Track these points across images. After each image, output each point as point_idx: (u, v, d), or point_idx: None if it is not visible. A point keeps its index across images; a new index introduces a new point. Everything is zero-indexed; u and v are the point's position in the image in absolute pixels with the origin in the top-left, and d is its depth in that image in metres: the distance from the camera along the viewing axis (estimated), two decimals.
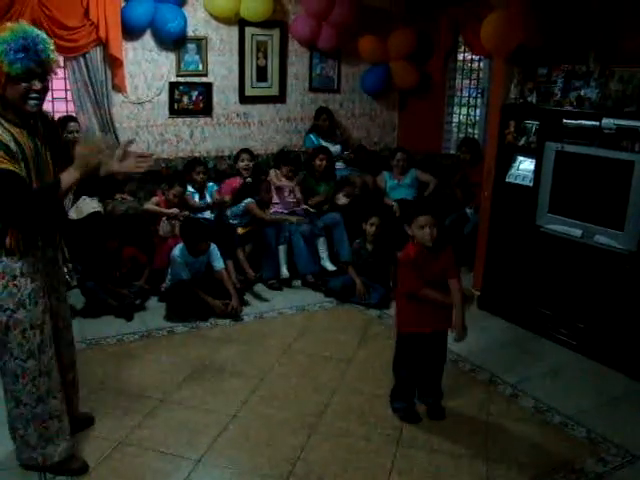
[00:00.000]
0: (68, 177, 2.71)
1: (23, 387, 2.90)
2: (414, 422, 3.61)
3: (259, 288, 5.63)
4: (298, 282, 5.86)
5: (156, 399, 3.78)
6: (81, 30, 5.68)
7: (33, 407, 2.93)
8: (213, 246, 5.13)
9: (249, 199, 5.83)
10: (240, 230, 5.79)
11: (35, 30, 2.70)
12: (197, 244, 5.00)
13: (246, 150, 6.39)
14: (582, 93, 4.51)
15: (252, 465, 3.21)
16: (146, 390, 3.88)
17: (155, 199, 5.72)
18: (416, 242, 3.45)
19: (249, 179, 6.18)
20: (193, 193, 5.90)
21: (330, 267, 5.91)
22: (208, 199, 5.98)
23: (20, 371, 2.89)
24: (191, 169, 5.97)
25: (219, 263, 5.16)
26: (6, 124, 2.68)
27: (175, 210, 5.58)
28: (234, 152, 6.57)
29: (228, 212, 5.89)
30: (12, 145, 2.65)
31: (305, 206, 6.15)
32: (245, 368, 4.23)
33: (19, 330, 2.83)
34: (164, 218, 5.53)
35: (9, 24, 2.67)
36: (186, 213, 5.61)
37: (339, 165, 6.82)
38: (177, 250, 5.03)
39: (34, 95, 2.68)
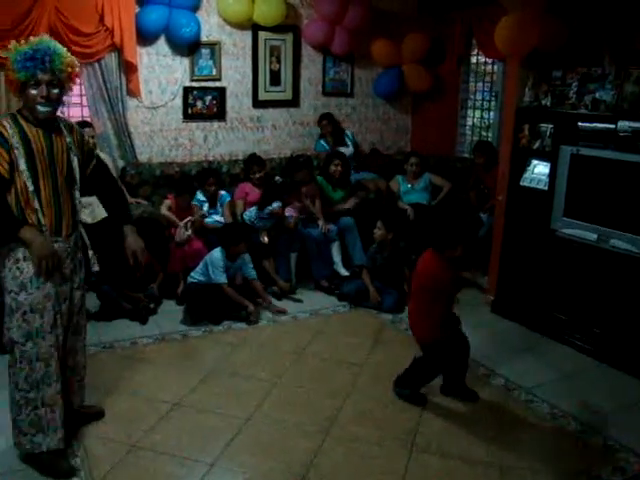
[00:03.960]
0: (26, 235, 2.89)
1: (20, 370, 3.00)
2: (422, 404, 3.81)
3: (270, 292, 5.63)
4: (312, 286, 5.86)
5: (170, 403, 3.79)
6: (96, 36, 5.73)
7: (27, 392, 3.01)
8: (247, 255, 5.23)
9: (277, 203, 5.73)
10: (266, 239, 5.73)
11: (51, 43, 2.91)
12: (236, 244, 5.07)
13: (255, 160, 6.30)
14: (597, 95, 4.48)
15: (265, 469, 3.21)
16: (160, 394, 3.89)
17: (167, 202, 5.76)
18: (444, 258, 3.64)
19: (278, 178, 6.16)
20: (203, 202, 5.88)
21: (343, 272, 5.91)
22: (219, 209, 5.99)
23: (19, 354, 2.99)
24: (204, 180, 5.94)
25: (252, 272, 5.26)
26: (21, 120, 2.92)
27: (187, 219, 5.58)
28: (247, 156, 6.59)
29: (250, 213, 5.85)
30: (15, 139, 2.85)
31: (328, 227, 5.99)
32: (258, 372, 4.23)
33: (20, 312, 2.95)
34: (181, 224, 5.54)
35: (31, 38, 2.92)
36: (194, 217, 5.60)
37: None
38: (218, 252, 5.08)
39: (42, 101, 2.88)
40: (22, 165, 2.86)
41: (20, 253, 2.92)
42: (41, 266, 2.91)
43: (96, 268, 3.38)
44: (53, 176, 2.98)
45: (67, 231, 3.08)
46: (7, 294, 2.98)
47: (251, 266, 5.27)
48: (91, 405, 3.57)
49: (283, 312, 5.28)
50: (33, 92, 2.85)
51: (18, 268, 2.94)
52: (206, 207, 5.91)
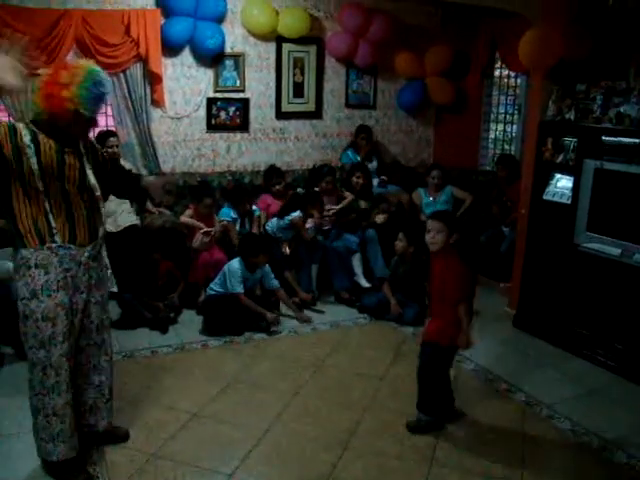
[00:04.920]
0: None
1: (36, 375, 3.03)
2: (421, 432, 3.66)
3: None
4: (332, 297, 5.85)
5: (189, 412, 3.79)
6: (122, 47, 5.79)
7: (43, 396, 3.03)
8: (266, 266, 5.24)
9: (297, 213, 5.74)
10: (287, 250, 5.77)
11: (105, 77, 2.95)
12: (255, 256, 5.07)
13: (275, 172, 6.39)
14: (622, 110, 4.45)
15: None
16: (179, 403, 3.90)
17: (189, 212, 5.80)
18: None
19: (301, 189, 6.17)
20: (235, 219, 5.88)
21: (364, 284, 5.90)
22: (247, 226, 6.00)
23: (35, 360, 3.01)
24: (240, 198, 5.93)
25: (275, 282, 5.29)
26: (34, 128, 2.91)
27: (204, 226, 5.62)
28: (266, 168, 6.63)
29: (271, 224, 5.88)
30: (27, 138, 2.85)
31: (318, 221, 5.96)
32: (278, 383, 4.23)
33: (33, 320, 2.97)
34: (200, 231, 5.57)
35: (81, 65, 2.91)
36: (216, 228, 5.61)
37: (375, 181, 6.79)
38: (236, 263, 5.10)
39: (82, 135, 3.06)
40: (34, 164, 2.85)
41: (32, 260, 2.93)
42: None
43: (114, 289, 3.37)
44: (62, 186, 2.95)
45: (82, 240, 3.04)
46: (20, 301, 2.98)
47: (272, 276, 5.28)
48: (117, 426, 3.51)
49: (307, 321, 5.32)
50: (82, 126, 2.97)
51: (30, 275, 2.94)
52: (238, 225, 5.91)
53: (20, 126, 2.88)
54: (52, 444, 3.08)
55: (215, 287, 5.16)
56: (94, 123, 3.10)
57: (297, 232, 5.76)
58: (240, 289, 5.02)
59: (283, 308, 5.47)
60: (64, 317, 3.00)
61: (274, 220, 5.87)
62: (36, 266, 2.94)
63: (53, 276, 2.96)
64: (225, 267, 5.17)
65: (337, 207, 6.15)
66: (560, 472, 3.35)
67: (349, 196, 6.25)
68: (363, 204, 6.28)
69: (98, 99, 2.90)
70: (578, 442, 3.63)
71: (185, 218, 5.75)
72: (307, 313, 5.48)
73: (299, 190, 6.18)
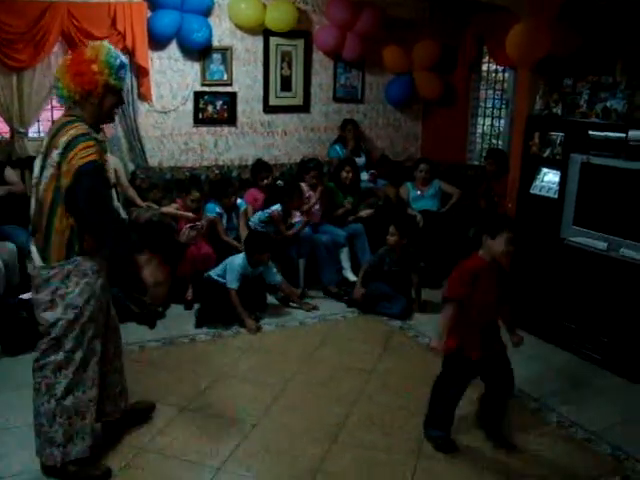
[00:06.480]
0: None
1: (64, 378, 2.96)
2: (450, 451, 3.42)
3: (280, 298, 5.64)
4: (320, 291, 5.85)
5: (178, 406, 3.79)
6: (108, 39, 5.71)
7: (63, 399, 2.96)
8: (270, 262, 5.29)
9: (277, 206, 5.76)
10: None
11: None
12: (261, 253, 5.09)
13: (262, 166, 6.36)
14: (608, 104, 4.48)
15: (272, 475, 3.21)
16: (168, 397, 3.89)
17: (175, 205, 5.77)
18: (483, 255, 3.40)
19: (280, 182, 6.17)
20: (221, 214, 5.84)
21: (352, 278, 5.91)
22: (234, 220, 5.98)
23: (65, 362, 2.95)
24: (223, 191, 5.90)
25: (278, 277, 5.34)
26: (94, 134, 2.93)
27: (191, 215, 5.60)
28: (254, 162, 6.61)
29: (254, 218, 5.87)
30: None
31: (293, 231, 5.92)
32: (266, 377, 4.23)
33: (79, 324, 2.94)
34: (186, 225, 5.54)
35: (98, 43, 2.98)
36: (203, 222, 5.59)
37: (363, 176, 6.79)
38: (239, 259, 5.11)
39: (116, 109, 3.09)
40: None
41: (89, 267, 2.93)
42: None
43: None
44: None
45: None
46: (67, 309, 2.90)
47: (274, 271, 5.31)
48: (138, 401, 3.62)
49: (315, 309, 5.45)
50: (112, 100, 2.98)
51: (88, 283, 2.92)
52: (225, 220, 5.88)
53: (90, 135, 2.86)
54: (71, 444, 3.00)
55: (214, 275, 5.15)
56: (122, 99, 3.10)
57: (278, 227, 5.75)
58: (234, 286, 5.01)
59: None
60: (102, 317, 3.07)
61: (257, 214, 5.86)
62: (93, 272, 2.95)
63: (103, 280, 3.02)
64: (228, 259, 5.18)
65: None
66: (546, 463, 3.37)
67: (347, 205, 6.29)
68: (347, 203, 6.28)
69: (123, 67, 2.95)
70: (564, 434, 3.66)
71: (167, 208, 5.71)
72: (297, 311, 5.48)
73: (279, 182, 6.16)
